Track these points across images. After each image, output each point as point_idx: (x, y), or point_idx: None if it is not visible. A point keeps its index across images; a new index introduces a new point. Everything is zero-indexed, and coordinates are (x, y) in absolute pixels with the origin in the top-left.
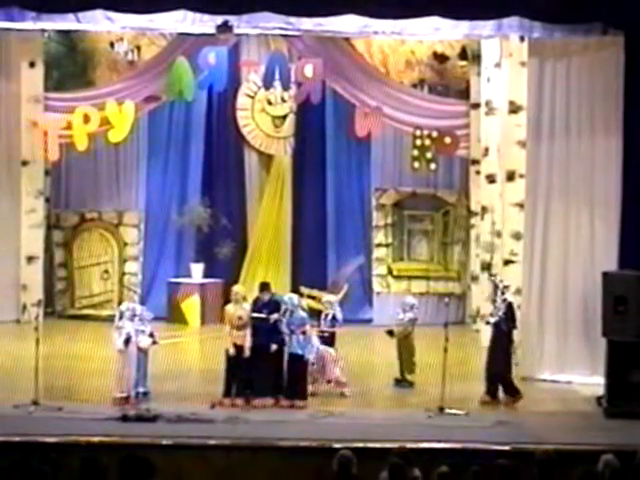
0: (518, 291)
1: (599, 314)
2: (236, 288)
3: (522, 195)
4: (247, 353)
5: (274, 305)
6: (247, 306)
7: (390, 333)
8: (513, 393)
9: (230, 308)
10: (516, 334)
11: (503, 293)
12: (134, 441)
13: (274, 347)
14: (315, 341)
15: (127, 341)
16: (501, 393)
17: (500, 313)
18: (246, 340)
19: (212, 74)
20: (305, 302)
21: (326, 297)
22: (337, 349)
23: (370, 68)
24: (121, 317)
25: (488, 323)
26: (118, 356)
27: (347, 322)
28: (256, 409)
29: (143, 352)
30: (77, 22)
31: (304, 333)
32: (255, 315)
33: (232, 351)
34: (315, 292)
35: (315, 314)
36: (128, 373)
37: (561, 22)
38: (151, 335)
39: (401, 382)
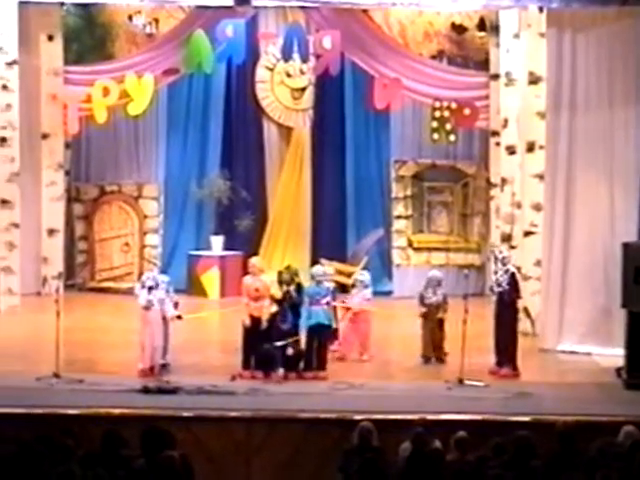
0: (538, 263)
1: (619, 285)
2: (253, 260)
3: (542, 166)
4: (264, 325)
5: (297, 288)
6: (265, 278)
7: (425, 316)
8: (515, 367)
9: (247, 280)
10: (535, 305)
11: (504, 264)
12: (155, 413)
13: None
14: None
15: (147, 307)
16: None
17: (504, 284)
18: (263, 312)
19: (230, 46)
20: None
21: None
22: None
23: (388, 40)
24: (142, 286)
25: (492, 291)
26: (145, 327)
27: None
28: (276, 381)
29: (165, 323)
30: None
31: (328, 304)
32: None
33: (248, 322)
34: (335, 264)
35: (338, 287)
36: (155, 343)
37: None
38: (176, 305)
39: (431, 359)
